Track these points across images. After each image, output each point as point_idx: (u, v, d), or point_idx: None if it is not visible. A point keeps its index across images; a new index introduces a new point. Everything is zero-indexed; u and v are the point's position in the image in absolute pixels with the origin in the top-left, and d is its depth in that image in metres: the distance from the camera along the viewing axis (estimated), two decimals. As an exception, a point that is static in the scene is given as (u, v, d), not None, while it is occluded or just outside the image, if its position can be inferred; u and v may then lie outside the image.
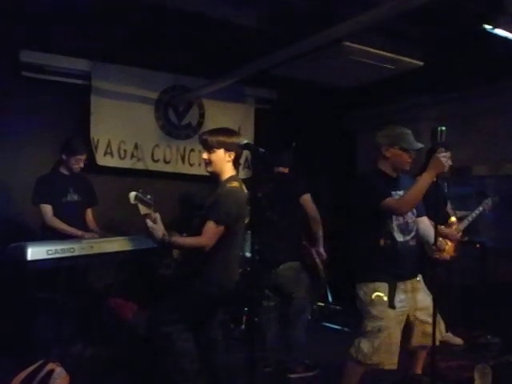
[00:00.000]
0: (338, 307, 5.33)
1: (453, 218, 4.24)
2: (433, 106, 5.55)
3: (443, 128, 2.70)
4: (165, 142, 5.13)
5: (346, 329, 4.73)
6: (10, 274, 3.02)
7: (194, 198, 5.25)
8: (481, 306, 4.45)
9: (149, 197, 2.68)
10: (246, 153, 5.10)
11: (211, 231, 2.66)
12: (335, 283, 5.46)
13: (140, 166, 4.99)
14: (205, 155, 2.83)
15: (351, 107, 5.98)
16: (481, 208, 4.31)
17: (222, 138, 2.80)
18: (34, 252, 2.86)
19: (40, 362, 2.66)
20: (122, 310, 4.36)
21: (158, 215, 2.65)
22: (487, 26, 2.82)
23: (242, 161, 3.77)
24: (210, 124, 5.34)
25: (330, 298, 5.46)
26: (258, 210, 3.37)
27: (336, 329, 4.85)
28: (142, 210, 2.66)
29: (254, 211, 2.71)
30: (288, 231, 3.79)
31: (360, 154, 6.16)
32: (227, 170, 2.84)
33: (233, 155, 2.82)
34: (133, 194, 2.66)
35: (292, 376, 3.66)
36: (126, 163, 4.90)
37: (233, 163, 2.86)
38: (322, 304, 5.32)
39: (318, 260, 3.90)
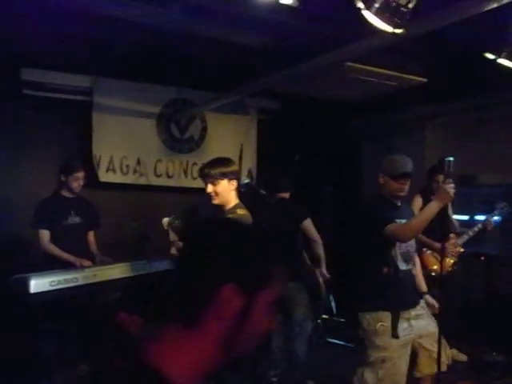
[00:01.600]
0: (342, 319, 5.32)
1: (452, 234, 4.23)
2: (437, 115, 5.51)
3: (451, 159, 2.69)
4: (167, 157, 5.11)
5: (350, 344, 4.72)
6: (13, 306, 3.01)
7: (198, 211, 5.25)
8: (486, 320, 4.43)
9: (177, 221, 2.68)
10: (247, 164, 5.20)
11: None
12: (339, 295, 5.45)
13: (143, 181, 4.97)
14: (210, 188, 2.82)
15: (355, 117, 5.94)
16: (480, 225, 4.31)
17: (223, 169, 2.81)
18: (37, 284, 2.84)
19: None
20: (126, 325, 4.37)
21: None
22: (490, 56, 2.78)
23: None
24: (212, 137, 5.34)
25: (334, 311, 5.44)
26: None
27: (340, 344, 4.84)
28: (172, 236, 2.67)
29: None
30: (289, 253, 3.79)
31: (364, 163, 6.12)
32: (232, 199, 2.86)
33: (235, 183, 2.84)
34: (166, 220, 2.65)
35: None
36: (129, 179, 4.89)
37: (236, 190, 2.86)
38: (326, 317, 5.30)
39: (321, 280, 3.92)
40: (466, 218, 5.12)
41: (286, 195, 3.99)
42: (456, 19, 2.47)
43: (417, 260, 3.09)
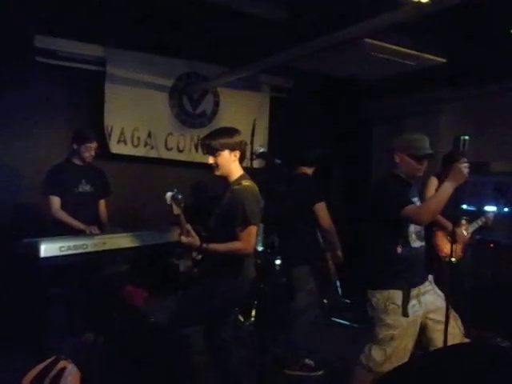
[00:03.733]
0: (347, 301, 5.32)
1: (463, 220, 4.21)
2: (452, 99, 5.43)
3: (466, 137, 2.63)
4: (178, 131, 5.08)
5: (355, 325, 4.74)
6: (23, 269, 3.03)
7: (208, 186, 5.24)
8: (493, 307, 4.41)
9: (180, 196, 2.68)
10: (258, 141, 5.16)
11: (246, 235, 2.69)
12: (345, 277, 5.45)
13: (153, 154, 4.95)
14: (210, 159, 2.81)
15: (369, 97, 5.86)
16: (484, 218, 4.35)
17: (224, 140, 2.78)
18: (47, 249, 2.86)
19: (51, 359, 2.68)
20: (132, 297, 4.40)
21: (189, 226, 2.67)
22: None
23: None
24: (224, 112, 5.29)
25: (339, 291, 5.45)
26: (272, 208, 3.35)
27: (345, 324, 4.85)
28: (176, 210, 2.68)
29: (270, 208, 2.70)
30: (299, 233, 3.79)
31: (376, 144, 6.07)
32: (235, 170, 2.84)
33: (238, 154, 2.81)
34: (169, 195, 2.65)
35: (287, 372, 3.69)
36: (140, 151, 4.86)
37: (239, 161, 2.85)
38: (332, 298, 5.31)
39: (331, 264, 3.89)
40: (474, 208, 5.09)
41: (309, 171, 3.87)
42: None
43: None
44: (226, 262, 2.76)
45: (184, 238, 2.66)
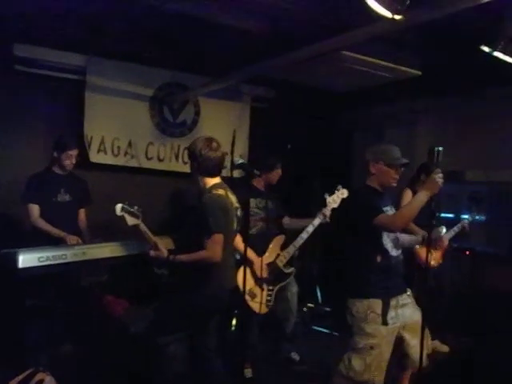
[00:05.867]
0: (327, 308, 5.37)
1: (439, 228, 4.29)
2: (430, 109, 5.55)
3: (440, 149, 2.71)
4: (159, 140, 5.09)
5: (335, 333, 4.77)
6: (0, 280, 2.99)
7: (187, 196, 5.25)
8: (469, 313, 4.50)
9: (136, 207, 2.73)
10: (238, 151, 5.19)
11: (211, 244, 2.71)
12: (325, 284, 5.50)
13: (133, 163, 4.94)
14: (190, 168, 2.91)
15: (348, 107, 5.95)
16: (460, 225, 4.44)
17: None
18: (26, 259, 2.84)
19: (29, 371, 2.65)
20: (112, 307, 4.36)
21: (157, 240, 2.71)
22: (486, 49, 2.80)
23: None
24: (205, 122, 5.32)
25: (319, 299, 5.50)
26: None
27: (325, 332, 4.88)
28: (130, 221, 2.73)
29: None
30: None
31: (356, 154, 6.16)
32: (209, 179, 2.88)
33: None
34: (119, 207, 2.71)
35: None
36: (120, 160, 4.85)
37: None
38: (312, 305, 5.35)
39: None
40: (451, 215, 5.20)
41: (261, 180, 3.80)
42: (455, 10, 2.49)
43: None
44: (196, 271, 2.79)
45: (152, 252, 2.74)
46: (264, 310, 3.62)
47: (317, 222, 3.65)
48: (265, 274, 3.61)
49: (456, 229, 4.41)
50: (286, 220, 3.99)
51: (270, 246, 3.73)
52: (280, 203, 4.02)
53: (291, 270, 3.84)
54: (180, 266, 2.86)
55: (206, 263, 2.74)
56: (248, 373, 3.68)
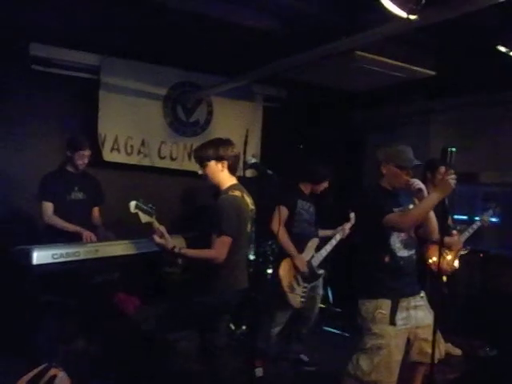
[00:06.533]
0: (338, 309, 5.35)
1: (454, 231, 4.25)
2: (444, 110, 5.51)
3: (453, 149, 2.68)
4: (172, 139, 5.11)
5: (345, 334, 4.76)
6: (15, 277, 3.03)
7: (199, 195, 5.26)
8: (482, 316, 4.46)
9: (150, 205, 2.72)
10: (251, 151, 5.19)
11: (219, 244, 2.70)
12: (336, 285, 5.48)
13: (146, 162, 4.97)
14: (200, 171, 2.89)
15: (360, 107, 5.93)
16: (479, 223, 4.37)
17: (210, 151, 2.85)
18: (40, 256, 2.87)
19: (42, 367, 2.68)
20: (124, 305, 4.39)
21: (163, 228, 2.68)
22: (502, 49, 2.77)
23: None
24: (218, 121, 5.34)
25: (330, 300, 5.48)
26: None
27: (335, 333, 4.87)
28: (143, 218, 2.71)
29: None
30: None
31: (368, 155, 6.13)
32: (225, 180, 2.89)
33: (225, 164, 2.86)
34: (133, 204, 2.69)
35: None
36: (133, 159, 4.88)
37: (229, 171, 2.89)
38: (323, 306, 5.33)
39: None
40: (464, 217, 5.15)
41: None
42: (470, 9, 2.47)
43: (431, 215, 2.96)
44: (207, 270, 2.79)
45: (157, 238, 2.67)
46: (299, 305, 3.83)
47: (338, 237, 4.05)
48: (306, 270, 3.81)
49: (471, 230, 4.34)
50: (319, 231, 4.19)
51: (308, 245, 3.92)
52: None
53: (322, 271, 4.02)
54: (190, 264, 2.86)
55: (210, 263, 2.73)
56: (259, 372, 3.68)
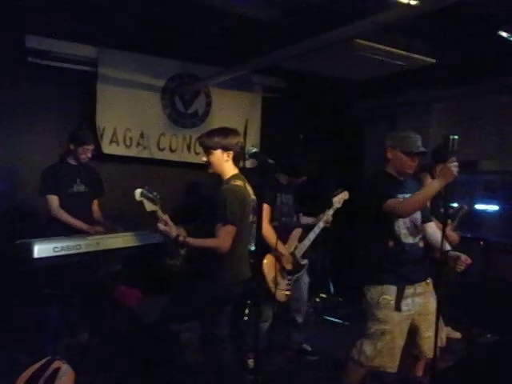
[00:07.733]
0: (339, 299, 5.37)
1: (448, 221, 4.23)
2: (444, 98, 5.49)
3: (455, 137, 2.66)
4: (171, 131, 5.09)
5: (346, 322, 4.78)
6: (16, 271, 3.03)
7: (199, 186, 5.26)
8: (482, 303, 4.48)
9: (155, 193, 2.70)
10: (250, 141, 5.18)
11: (223, 233, 2.70)
12: (337, 275, 5.50)
13: (146, 154, 4.95)
14: (204, 158, 2.88)
15: (361, 97, 5.91)
16: (462, 210, 4.31)
17: (217, 139, 2.82)
18: (41, 249, 2.85)
19: (46, 360, 2.69)
20: (126, 298, 4.40)
21: (167, 217, 2.67)
22: (504, 34, 2.74)
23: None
24: (216, 112, 5.31)
25: (331, 290, 5.50)
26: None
27: (337, 322, 4.89)
28: (148, 207, 2.69)
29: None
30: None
31: (368, 144, 6.12)
32: (228, 169, 2.88)
33: (231, 154, 2.85)
34: (138, 191, 2.67)
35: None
36: (132, 151, 4.86)
37: (233, 161, 2.88)
38: (324, 296, 5.35)
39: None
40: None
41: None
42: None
43: (434, 227, 3.00)
44: (209, 261, 2.78)
45: (161, 226, 2.64)
46: (284, 298, 3.76)
47: (321, 224, 3.92)
48: (290, 264, 3.75)
49: (460, 213, 4.26)
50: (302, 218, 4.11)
51: (292, 235, 3.85)
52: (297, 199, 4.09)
53: (305, 261, 3.96)
54: (192, 254, 2.85)
55: (214, 252, 2.71)
56: (250, 363, 3.69)
